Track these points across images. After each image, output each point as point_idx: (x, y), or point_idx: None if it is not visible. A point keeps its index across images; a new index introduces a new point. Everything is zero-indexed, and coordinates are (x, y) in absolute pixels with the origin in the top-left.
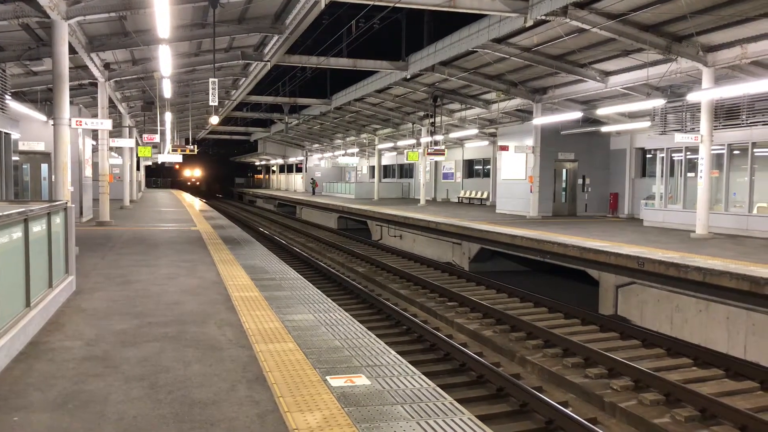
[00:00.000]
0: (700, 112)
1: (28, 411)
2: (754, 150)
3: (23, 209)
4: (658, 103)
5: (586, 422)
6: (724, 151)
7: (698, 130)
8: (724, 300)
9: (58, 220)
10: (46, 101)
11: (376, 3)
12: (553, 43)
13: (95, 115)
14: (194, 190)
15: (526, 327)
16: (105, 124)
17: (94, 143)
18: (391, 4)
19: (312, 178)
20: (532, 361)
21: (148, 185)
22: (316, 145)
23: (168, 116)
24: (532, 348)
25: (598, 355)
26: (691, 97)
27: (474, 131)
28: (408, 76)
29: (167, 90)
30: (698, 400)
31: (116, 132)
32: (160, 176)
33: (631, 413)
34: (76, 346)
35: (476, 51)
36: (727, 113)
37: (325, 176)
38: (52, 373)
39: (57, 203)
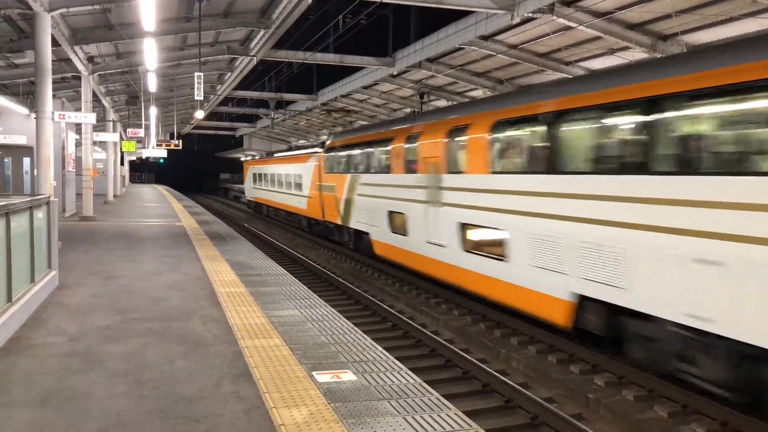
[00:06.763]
0: None
1: (10, 407)
2: None
3: (4, 203)
4: None
5: (570, 418)
6: None
7: None
8: None
9: (40, 214)
10: (28, 94)
11: None
12: (540, 40)
13: (78, 109)
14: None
15: (511, 323)
16: (88, 118)
17: (78, 137)
18: (379, 0)
19: None
20: (518, 358)
21: (132, 180)
22: (302, 141)
23: (153, 111)
24: (518, 344)
25: (583, 352)
26: None
27: None
28: (395, 73)
29: (152, 84)
30: (681, 396)
31: (100, 126)
32: (144, 171)
33: (615, 409)
34: (58, 342)
35: (463, 48)
36: None
37: None
38: (35, 369)
39: (39, 197)
